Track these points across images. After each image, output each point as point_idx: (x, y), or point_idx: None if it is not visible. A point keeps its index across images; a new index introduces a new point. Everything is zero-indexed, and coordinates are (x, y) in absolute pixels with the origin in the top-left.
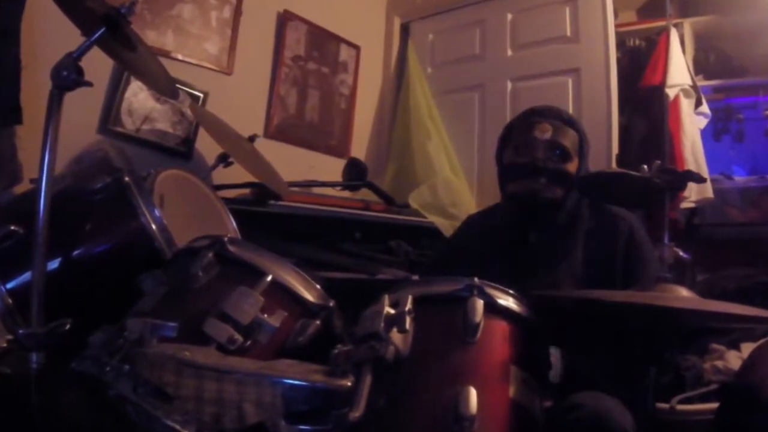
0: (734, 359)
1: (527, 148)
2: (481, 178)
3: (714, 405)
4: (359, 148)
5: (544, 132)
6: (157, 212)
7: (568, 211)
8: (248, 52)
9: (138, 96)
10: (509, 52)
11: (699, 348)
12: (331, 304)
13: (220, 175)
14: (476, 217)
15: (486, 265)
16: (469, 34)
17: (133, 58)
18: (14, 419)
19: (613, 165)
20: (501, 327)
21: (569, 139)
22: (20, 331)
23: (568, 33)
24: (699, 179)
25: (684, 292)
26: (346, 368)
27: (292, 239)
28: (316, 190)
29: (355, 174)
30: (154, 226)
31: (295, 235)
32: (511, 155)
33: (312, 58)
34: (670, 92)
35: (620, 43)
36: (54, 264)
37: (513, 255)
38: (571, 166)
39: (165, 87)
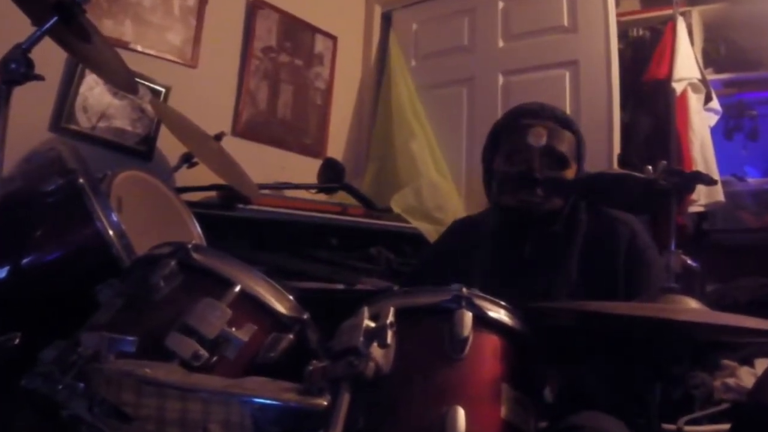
0: (747, 376)
1: (521, 156)
2: (470, 180)
3: (725, 426)
4: (336, 148)
5: (539, 137)
6: (114, 217)
7: (565, 219)
8: (215, 43)
9: (94, 91)
10: (501, 43)
11: (709, 364)
12: (305, 316)
13: (184, 177)
14: (464, 221)
15: (475, 275)
16: (457, 23)
17: (88, 49)
18: None
19: (615, 166)
20: (491, 341)
21: (566, 144)
22: None
23: (566, 22)
24: (709, 181)
25: (692, 303)
26: (322, 386)
27: (262, 246)
28: (289, 192)
29: (332, 175)
30: (111, 232)
31: (265, 242)
32: (502, 164)
33: (284, 49)
34: (677, 87)
35: (622, 34)
36: (1, 273)
37: (505, 264)
38: (569, 173)
39: (123, 81)
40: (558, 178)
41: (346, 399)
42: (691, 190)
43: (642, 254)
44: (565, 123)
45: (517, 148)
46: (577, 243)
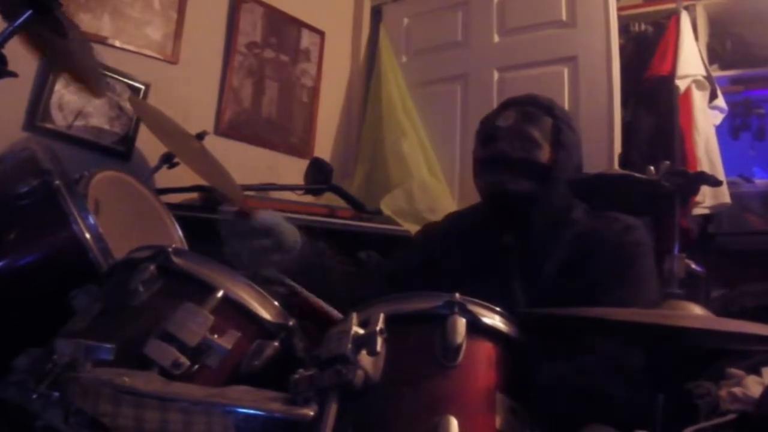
0: (754, 385)
1: (490, 139)
2: (463, 181)
3: None
4: (324, 147)
5: (507, 119)
6: (91, 219)
7: (550, 210)
8: (196, 38)
9: (70, 88)
10: (496, 38)
11: (714, 373)
12: (291, 323)
13: (164, 178)
14: (454, 216)
15: (460, 275)
16: (450, 17)
17: (61, 46)
18: None
19: (616, 166)
20: (485, 349)
21: (538, 126)
22: None
23: (564, 16)
24: (714, 182)
25: (697, 309)
26: (309, 395)
27: None
28: (275, 194)
29: (319, 176)
30: (88, 236)
31: None
32: (477, 149)
33: (269, 45)
34: (681, 84)
35: (623, 28)
36: None
37: (487, 261)
38: (542, 156)
39: (93, 83)
40: (527, 159)
41: (333, 409)
42: (696, 191)
43: (636, 256)
44: (545, 107)
45: (488, 132)
46: (566, 239)
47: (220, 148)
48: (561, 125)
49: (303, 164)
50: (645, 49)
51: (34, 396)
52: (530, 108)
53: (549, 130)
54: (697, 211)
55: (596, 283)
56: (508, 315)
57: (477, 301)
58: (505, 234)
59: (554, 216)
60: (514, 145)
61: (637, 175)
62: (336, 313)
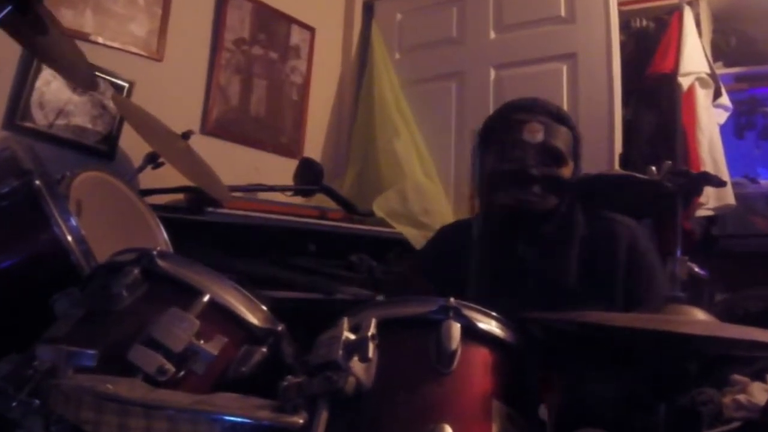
0: (759, 392)
1: (515, 153)
2: (459, 182)
3: None
4: (314, 147)
5: (535, 133)
6: (73, 221)
7: (560, 219)
8: (182, 34)
9: (51, 86)
10: (492, 35)
11: (718, 380)
12: (280, 328)
13: (149, 178)
14: (453, 226)
15: (464, 283)
16: (445, 13)
17: (44, 41)
18: None
19: (616, 166)
20: (481, 355)
21: (562, 140)
22: None
23: (563, 12)
24: (717, 182)
25: (700, 314)
26: (298, 403)
27: (234, 253)
28: (263, 195)
29: (310, 177)
30: (69, 238)
31: (237, 248)
32: (495, 161)
33: (258, 41)
34: (684, 81)
35: (624, 24)
36: None
37: (496, 271)
38: (567, 171)
39: (82, 76)
40: (555, 176)
41: (323, 417)
42: (699, 192)
43: (643, 259)
44: (561, 118)
45: (511, 144)
46: (573, 245)
47: (206, 147)
48: (577, 136)
49: (292, 164)
50: (646, 46)
51: (14, 403)
52: (548, 119)
53: (570, 142)
54: (701, 212)
55: (613, 285)
56: (505, 320)
57: (472, 305)
58: (517, 246)
59: (562, 222)
60: (544, 161)
61: (638, 175)
62: None
